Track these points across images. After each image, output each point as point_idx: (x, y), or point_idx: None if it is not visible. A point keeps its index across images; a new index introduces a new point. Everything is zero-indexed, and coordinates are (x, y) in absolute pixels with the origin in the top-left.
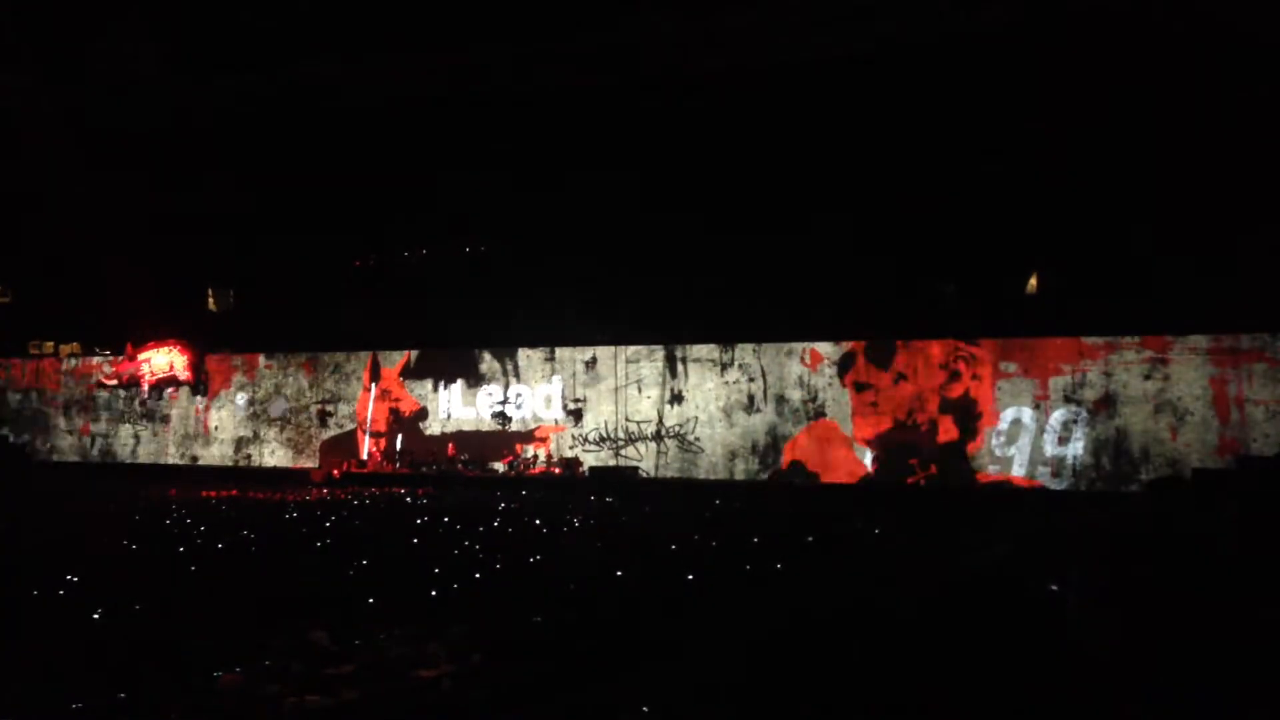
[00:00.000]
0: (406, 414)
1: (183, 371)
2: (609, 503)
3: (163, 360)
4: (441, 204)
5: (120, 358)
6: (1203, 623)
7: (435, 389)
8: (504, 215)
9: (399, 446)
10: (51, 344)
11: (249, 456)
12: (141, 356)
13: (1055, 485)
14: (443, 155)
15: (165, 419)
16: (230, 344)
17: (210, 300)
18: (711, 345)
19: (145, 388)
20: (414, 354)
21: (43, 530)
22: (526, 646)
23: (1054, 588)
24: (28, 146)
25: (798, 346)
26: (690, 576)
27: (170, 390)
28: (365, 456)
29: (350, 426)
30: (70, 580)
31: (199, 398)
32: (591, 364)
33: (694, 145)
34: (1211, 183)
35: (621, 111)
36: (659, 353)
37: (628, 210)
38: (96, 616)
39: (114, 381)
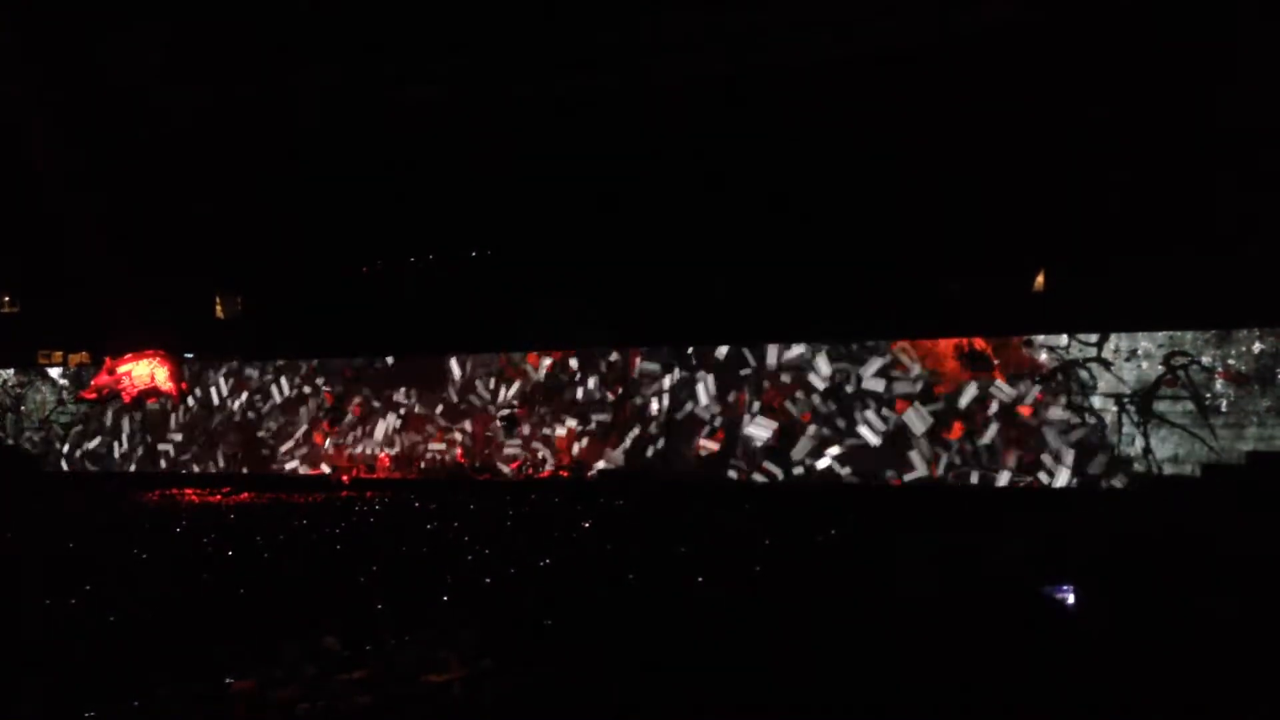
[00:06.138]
0: (414, 419)
1: (165, 382)
2: (620, 505)
3: (144, 371)
4: (450, 208)
5: (98, 371)
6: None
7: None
8: (513, 219)
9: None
10: (60, 354)
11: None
12: (122, 369)
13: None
14: (449, 159)
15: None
16: (238, 351)
17: (218, 307)
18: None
19: (126, 401)
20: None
21: (56, 538)
22: (537, 651)
23: (1060, 588)
24: (32, 155)
25: None
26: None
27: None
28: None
29: (360, 431)
30: (84, 587)
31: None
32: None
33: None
34: (1213, 180)
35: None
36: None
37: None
38: (109, 623)
39: (94, 396)
